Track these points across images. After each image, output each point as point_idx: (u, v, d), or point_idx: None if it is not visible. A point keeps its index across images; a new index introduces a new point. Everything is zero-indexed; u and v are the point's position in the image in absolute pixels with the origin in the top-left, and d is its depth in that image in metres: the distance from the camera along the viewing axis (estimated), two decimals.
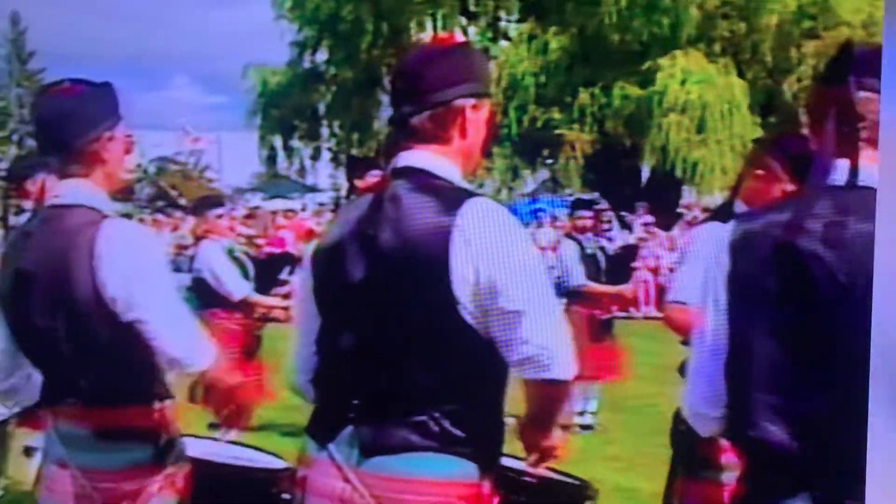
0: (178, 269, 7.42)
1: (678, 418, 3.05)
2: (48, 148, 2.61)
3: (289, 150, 28.02)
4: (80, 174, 2.55)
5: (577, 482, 2.95)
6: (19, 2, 36.84)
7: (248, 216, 18.67)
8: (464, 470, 2.13)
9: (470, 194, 2.14)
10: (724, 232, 1.86)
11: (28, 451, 4.33)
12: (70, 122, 2.52)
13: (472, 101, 2.22)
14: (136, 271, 2.43)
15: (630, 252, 13.69)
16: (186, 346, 2.48)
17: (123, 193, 2.75)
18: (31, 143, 33.04)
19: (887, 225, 1.39)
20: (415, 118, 2.20)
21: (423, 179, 2.17)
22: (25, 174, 4.77)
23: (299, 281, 2.55)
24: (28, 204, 4.65)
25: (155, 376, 2.57)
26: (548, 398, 2.18)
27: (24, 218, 4.56)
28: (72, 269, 2.42)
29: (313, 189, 32.03)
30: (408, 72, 2.27)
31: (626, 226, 18.49)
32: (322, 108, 27.36)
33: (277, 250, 14.09)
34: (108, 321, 2.41)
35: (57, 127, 2.54)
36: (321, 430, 2.23)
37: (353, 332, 2.19)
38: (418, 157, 2.21)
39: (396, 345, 2.13)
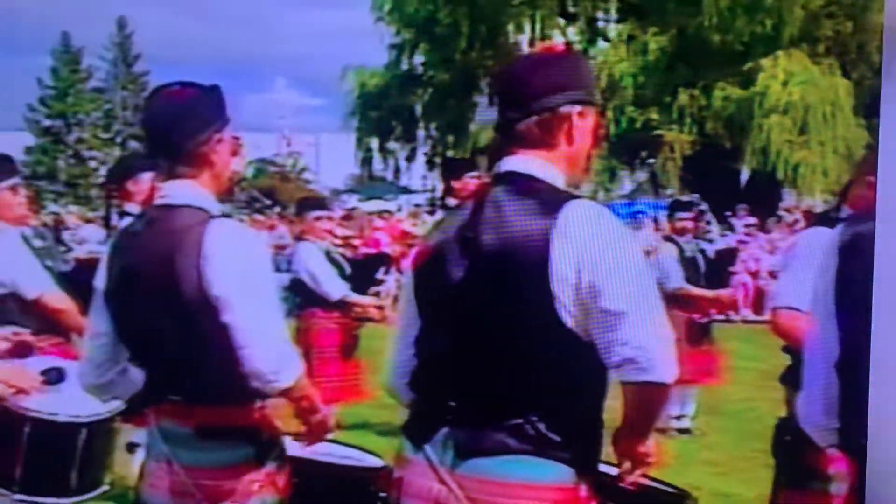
0: (276, 270, 7.56)
1: (782, 428, 2.98)
2: (158, 150, 2.63)
3: (385, 152, 28.30)
4: (188, 175, 2.57)
5: (675, 490, 2.90)
6: (126, 6, 37.97)
7: (345, 217, 18.94)
8: (560, 474, 2.11)
9: (571, 196, 2.13)
10: (832, 236, 1.81)
11: (131, 448, 4.36)
12: (180, 124, 2.55)
13: (578, 108, 2.22)
14: (240, 273, 2.44)
15: (730, 255, 13.41)
16: (273, 360, 2.45)
17: (228, 194, 2.75)
18: (134, 144, 34.11)
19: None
20: (521, 124, 2.20)
21: (525, 183, 2.17)
22: (127, 175, 4.92)
23: (402, 283, 2.55)
24: (130, 205, 4.78)
25: None
26: (647, 401, 2.13)
27: (126, 219, 4.70)
28: (179, 268, 2.43)
29: (408, 190, 32.27)
30: (514, 78, 2.27)
31: (728, 227, 18.15)
32: (418, 110, 27.57)
33: (373, 251, 14.25)
34: (213, 320, 2.42)
35: (167, 129, 2.57)
36: (417, 431, 2.24)
37: (451, 334, 2.20)
38: (522, 162, 2.21)
39: (494, 347, 2.12)
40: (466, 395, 2.16)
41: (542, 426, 2.09)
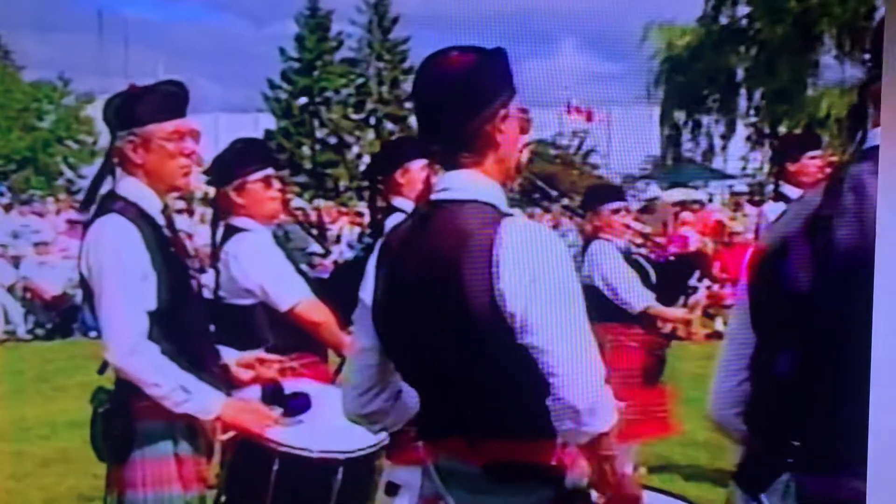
0: None
1: None
2: (432, 131, 2.65)
3: (695, 127, 27.89)
4: (468, 163, 2.60)
5: None
6: None
7: (644, 210, 18.76)
8: None
9: None
10: None
11: (392, 489, 4.36)
12: (459, 99, 2.56)
13: None
14: (542, 285, 2.43)
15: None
16: (589, 397, 2.42)
17: (512, 184, 2.73)
18: (390, 126, 35.20)
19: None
20: None
21: None
22: (395, 164, 5.05)
23: (738, 291, 2.49)
24: (398, 200, 4.96)
25: None
26: None
27: (394, 217, 4.85)
28: (464, 277, 2.44)
29: (723, 175, 31.63)
30: None
31: None
32: (739, 74, 26.98)
33: (682, 251, 14.08)
34: (507, 340, 2.43)
35: (443, 106, 2.58)
36: (752, 475, 2.23)
37: (795, 354, 2.17)
38: None
39: (850, 373, 2.07)
40: (816, 432, 2.14)
41: None
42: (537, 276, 2.43)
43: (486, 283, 2.43)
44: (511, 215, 2.55)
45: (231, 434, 3.69)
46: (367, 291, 2.72)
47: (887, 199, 1.44)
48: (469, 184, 2.59)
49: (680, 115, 27.77)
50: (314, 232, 13.66)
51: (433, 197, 2.64)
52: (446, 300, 2.48)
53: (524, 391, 2.44)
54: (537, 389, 2.42)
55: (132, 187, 3.62)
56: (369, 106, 36.50)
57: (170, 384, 3.44)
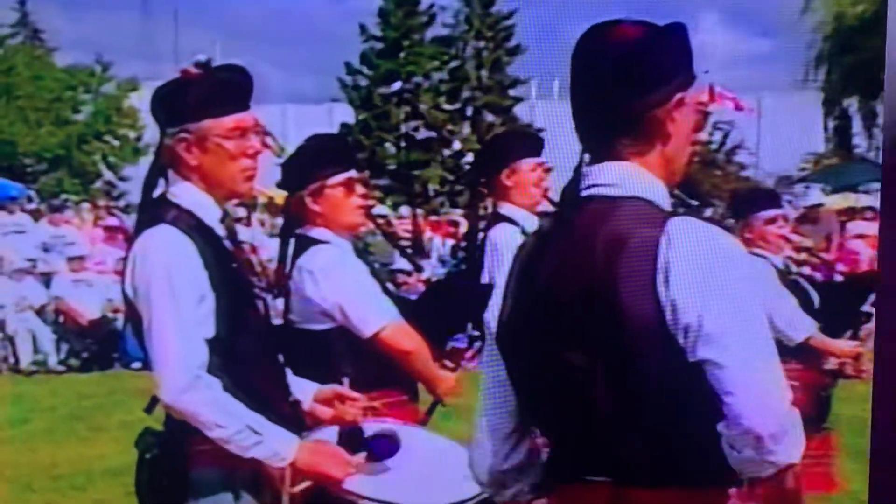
0: None
1: None
2: (588, 112, 2.64)
3: (868, 115, 27.51)
4: (628, 153, 2.60)
5: None
6: None
7: (805, 219, 18.57)
8: None
9: None
10: None
11: None
12: (629, 73, 2.55)
13: None
14: (717, 292, 2.42)
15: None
16: (776, 420, 2.41)
17: (673, 188, 2.71)
18: (490, 117, 34.96)
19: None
20: None
21: None
22: (499, 163, 5.15)
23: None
24: (506, 207, 5.01)
25: None
26: None
27: (500, 227, 4.87)
28: (620, 287, 2.44)
29: None
30: None
31: None
32: None
33: (851, 270, 13.90)
34: (671, 359, 2.42)
35: (608, 81, 2.57)
36: None
37: None
38: None
39: None
40: None
41: None
42: (712, 283, 2.42)
43: (650, 292, 2.43)
44: (680, 216, 2.52)
45: (305, 484, 3.64)
46: (492, 312, 2.73)
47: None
48: (628, 177, 2.59)
49: (850, 103, 27.41)
50: (403, 245, 13.69)
51: (584, 192, 2.62)
52: (596, 315, 2.48)
53: (690, 421, 2.44)
54: (708, 418, 2.41)
55: (186, 193, 3.63)
56: (466, 94, 35.91)
57: (236, 424, 3.42)
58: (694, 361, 2.41)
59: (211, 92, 3.63)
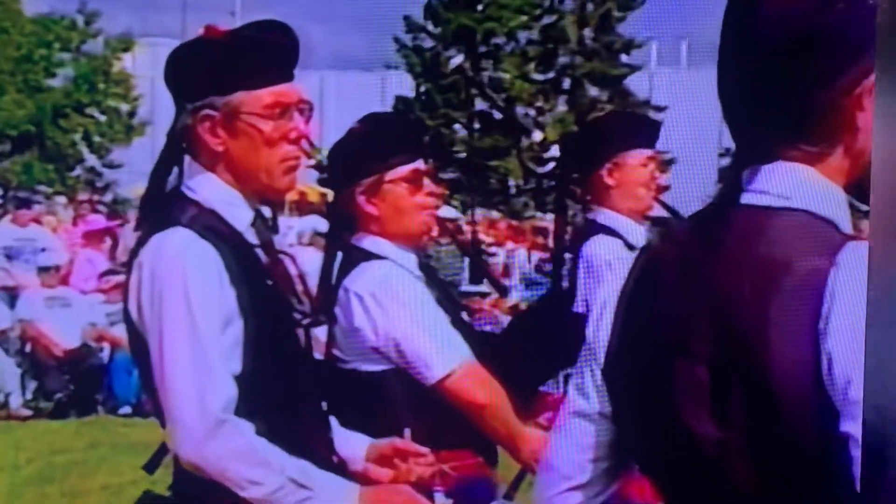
0: None
1: None
2: (742, 106, 2.60)
3: None
4: (802, 155, 2.52)
5: None
6: None
7: None
8: None
9: None
10: None
11: None
12: (813, 49, 2.47)
13: None
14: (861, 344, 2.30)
15: None
16: None
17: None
18: (594, 92, 34.32)
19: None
20: None
21: None
22: (599, 155, 5.15)
23: None
24: (603, 214, 5.04)
25: None
26: None
27: (598, 239, 4.92)
28: (771, 326, 2.38)
29: None
30: None
31: None
32: None
33: None
34: (818, 423, 2.35)
35: (787, 59, 2.49)
36: None
37: None
38: None
39: None
40: None
41: None
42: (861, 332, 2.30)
43: (810, 337, 2.36)
44: (856, 240, 2.41)
45: None
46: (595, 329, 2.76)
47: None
48: (801, 185, 2.51)
49: None
50: (484, 259, 13.46)
51: (744, 200, 2.55)
52: (735, 358, 2.45)
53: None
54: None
55: (208, 187, 3.57)
56: (562, 60, 34.88)
57: (276, 479, 3.33)
58: (838, 436, 2.31)
59: (244, 56, 3.59)
